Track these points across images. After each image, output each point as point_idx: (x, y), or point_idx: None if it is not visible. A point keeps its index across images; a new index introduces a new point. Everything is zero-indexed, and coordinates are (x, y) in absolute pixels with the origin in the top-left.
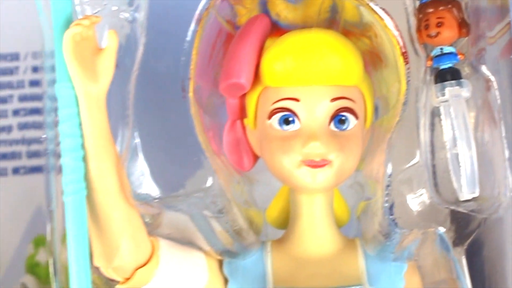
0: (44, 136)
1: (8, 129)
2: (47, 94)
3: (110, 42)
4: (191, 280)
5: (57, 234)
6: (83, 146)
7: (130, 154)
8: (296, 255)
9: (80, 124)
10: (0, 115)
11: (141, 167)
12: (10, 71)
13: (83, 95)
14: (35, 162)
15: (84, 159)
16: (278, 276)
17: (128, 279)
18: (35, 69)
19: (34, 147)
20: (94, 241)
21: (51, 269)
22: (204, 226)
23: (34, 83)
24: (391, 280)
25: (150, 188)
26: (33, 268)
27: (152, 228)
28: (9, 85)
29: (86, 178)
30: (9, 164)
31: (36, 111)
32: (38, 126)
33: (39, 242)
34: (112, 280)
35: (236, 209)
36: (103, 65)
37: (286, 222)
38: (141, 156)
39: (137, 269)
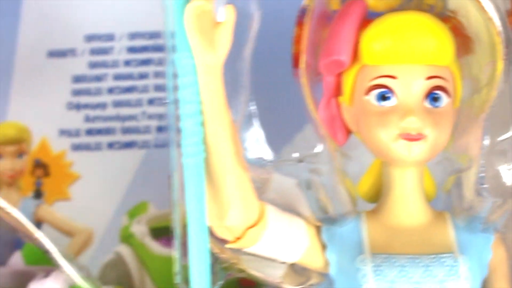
0: (166, 101)
1: (103, 106)
2: (169, 72)
3: (227, 16)
4: (293, 245)
5: (176, 196)
6: (201, 112)
7: (245, 121)
8: (389, 225)
9: (199, 92)
10: (95, 92)
11: (255, 133)
12: (105, 51)
13: (202, 65)
14: (129, 137)
15: (202, 124)
16: (374, 243)
17: (238, 238)
18: (130, 50)
19: (128, 124)
20: (208, 201)
21: (173, 226)
22: (310, 191)
23: (129, 63)
24: (479, 251)
25: (263, 154)
26: (128, 239)
27: (260, 193)
28: (104, 64)
29: (203, 142)
30: (104, 139)
31: (130, 90)
32: (132, 104)
33: (134, 213)
34: (222, 240)
35: (339, 177)
36: (221, 37)
37: (377, 195)
38: (256, 123)
39: (247, 229)
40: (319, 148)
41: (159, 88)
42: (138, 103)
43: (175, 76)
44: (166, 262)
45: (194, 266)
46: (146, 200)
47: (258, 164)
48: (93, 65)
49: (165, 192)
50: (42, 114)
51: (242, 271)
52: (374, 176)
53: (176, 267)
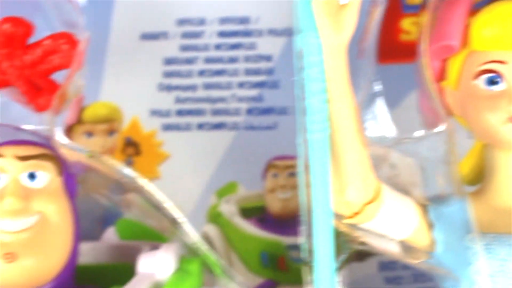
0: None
1: (193, 88)
2: (296, 53)
3: None
4: (404, 223)
5: (301, 171)
6: (326, 90)
7: (367, 101)
8: (494, 206)
9: (324, 70)
10: (186, 74)
11: (378, 112)
12: (196, 35)
13: (328, 46)
14: (218, 119)
15: (327, 101)
16: (480, 223)
17: (356, 213)
18: (220, 34)
19: (218, 106)
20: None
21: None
22: (427, 169)
23: (219, 47)
24: None
25: (385, 132)
26: (216, 218)
27: (376, 170)
28: (195, 48)
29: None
30: (194, 120)
31: (220, 73)
32: (222, 86)
33: (222, 193)
34: (339, 215)
35: (453, 157)
36: (346, 19)
37: (476, 178)
38: (379, 103)
39: (365, 205)
40: (440, 128)
41: (249, 71)
42: (228, 86)
43: (301, 56)
44: (255, 241)
45: (318, 238)
46: (234, 180)
47: (378, 141)
48: (184, 48)
49: (254, 173)
50: (134, 95)
51: (363, 244)
52: (474, 159)
53: (302, 240)
